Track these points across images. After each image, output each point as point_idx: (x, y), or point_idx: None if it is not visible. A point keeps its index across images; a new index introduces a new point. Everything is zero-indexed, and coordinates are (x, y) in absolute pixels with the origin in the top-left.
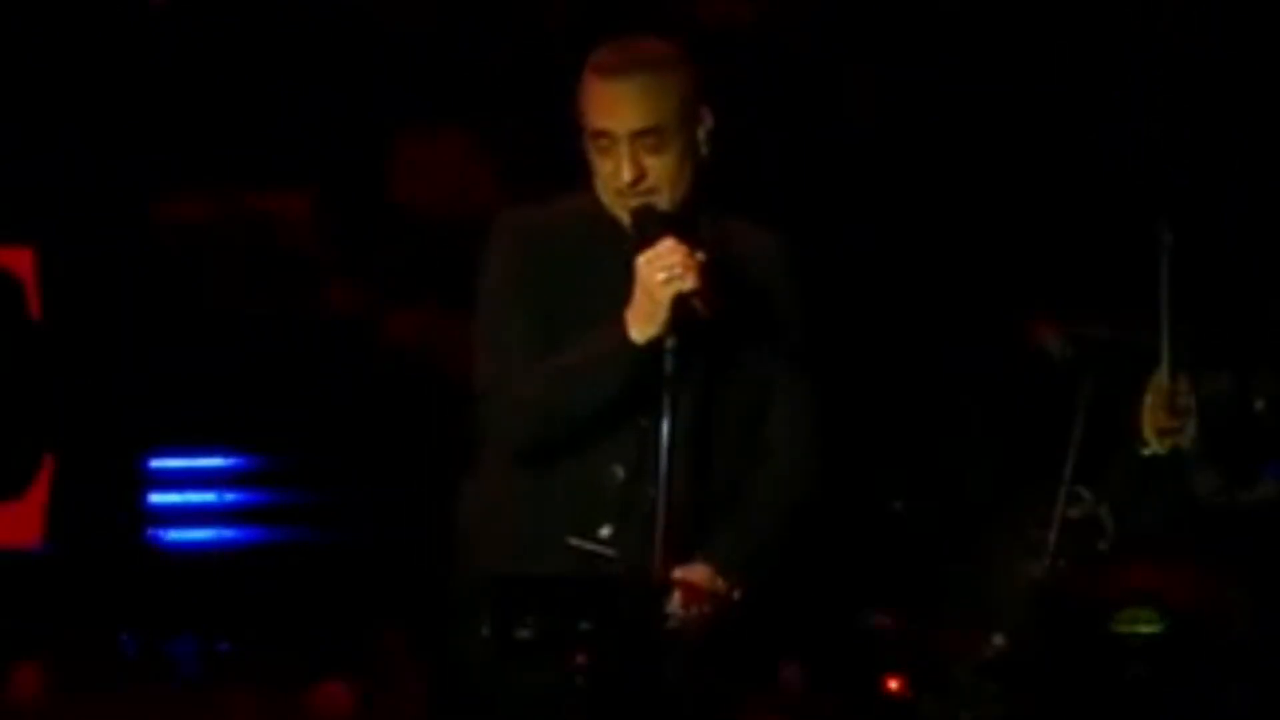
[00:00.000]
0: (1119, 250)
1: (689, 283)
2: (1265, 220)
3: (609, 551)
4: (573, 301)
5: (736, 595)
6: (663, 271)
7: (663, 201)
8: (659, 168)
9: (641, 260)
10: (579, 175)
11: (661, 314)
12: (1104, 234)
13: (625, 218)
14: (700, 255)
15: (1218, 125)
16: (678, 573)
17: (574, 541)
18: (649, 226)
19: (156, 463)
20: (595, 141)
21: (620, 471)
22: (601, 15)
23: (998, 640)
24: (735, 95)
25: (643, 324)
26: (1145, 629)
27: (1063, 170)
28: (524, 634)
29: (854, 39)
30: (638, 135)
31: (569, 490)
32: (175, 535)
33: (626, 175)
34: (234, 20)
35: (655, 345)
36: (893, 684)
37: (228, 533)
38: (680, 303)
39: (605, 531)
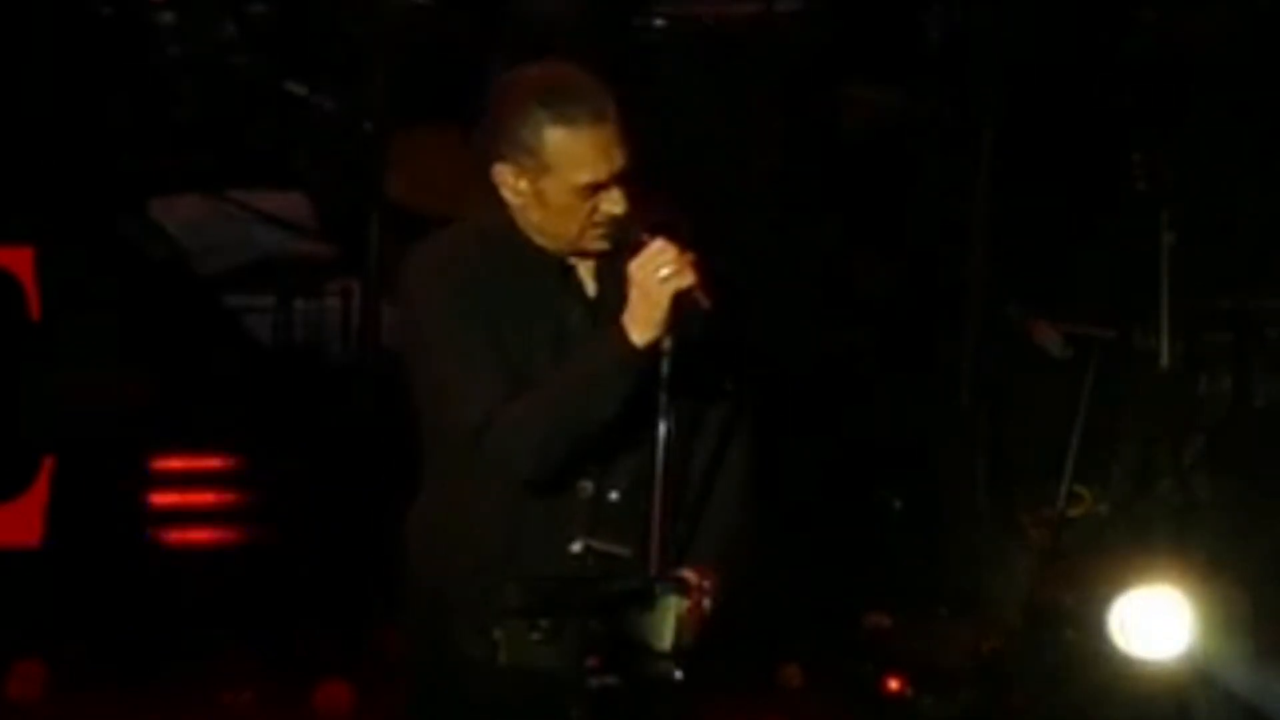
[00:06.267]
0: (1119, 249)
1: (687, 278)
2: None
3: (624, 552)
4: (512, 326)
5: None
6: (658, 272)
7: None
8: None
9: (634, 265)
10: None
11: (660, 314)
12: (1104, 234)
13: (594, 246)
14: (689, 253)
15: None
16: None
17: (586, 544)
18: (632, 232)
19: (157, 463)
20: (577, 191)
21: (589, 486)
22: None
23: (996, 640)
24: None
25: (642, 328)
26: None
27: (1064, 169)
28: (536, 636)
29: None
30: (622, 175)
31: (539, 505)
32: (175, 535)
33: (624, 209)
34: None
35: (653, 350)
36: (893, 684)
37: (228, 533)
38: (680, 299)
39: (576, 546)
